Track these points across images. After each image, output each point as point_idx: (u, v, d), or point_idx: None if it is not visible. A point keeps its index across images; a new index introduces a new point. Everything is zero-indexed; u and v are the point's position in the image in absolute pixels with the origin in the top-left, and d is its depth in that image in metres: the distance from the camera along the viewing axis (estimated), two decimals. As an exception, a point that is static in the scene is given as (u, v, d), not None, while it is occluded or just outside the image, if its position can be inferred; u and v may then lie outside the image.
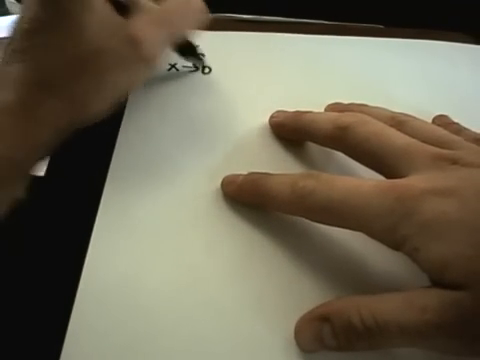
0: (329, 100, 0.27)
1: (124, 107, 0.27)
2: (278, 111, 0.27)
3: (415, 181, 0.19)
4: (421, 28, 0.33)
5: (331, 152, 0.24)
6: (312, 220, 0.21)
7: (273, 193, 0.21)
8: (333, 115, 0.24)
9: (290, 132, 0.26)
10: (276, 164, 0.25)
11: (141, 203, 0.23)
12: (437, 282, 0.17)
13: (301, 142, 0.26)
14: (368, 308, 0.17)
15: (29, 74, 0.19)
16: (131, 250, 0.22)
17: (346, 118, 0.22)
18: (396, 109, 0.25)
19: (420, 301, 0.17)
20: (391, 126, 0.22)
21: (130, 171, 0.25)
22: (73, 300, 0.20)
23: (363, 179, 0.20)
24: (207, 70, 0.30)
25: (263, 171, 0.23)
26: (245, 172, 0.23)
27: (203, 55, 0.29)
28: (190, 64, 0.29)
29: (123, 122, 0.27)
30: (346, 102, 0.27)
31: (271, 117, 0.27)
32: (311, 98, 0.27)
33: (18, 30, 0.20)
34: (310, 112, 0.25)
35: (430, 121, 0.26)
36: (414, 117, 0.24)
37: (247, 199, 0.23)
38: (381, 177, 0.21)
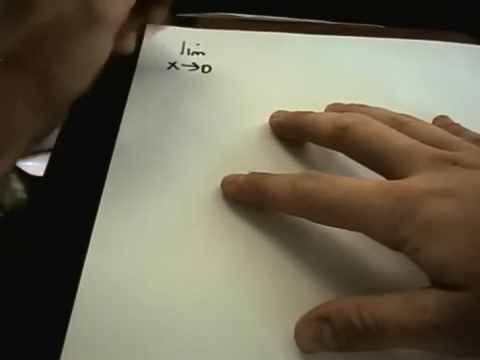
0: (329, 100, 0.27)
1: (123, 106, 0.27)
2: (278, 111, 0.27)
3: (415, 182, 0.19)
4: (421, 28, 0.33)
5: (331, 152, 0.24)
6: (312, 220, 0.21)
7: (273, 193, 0.21)
8: (333, 115, 0.24)
9: (290, 132, 0.26)
10: (276, 164, 0.25)
11: (141, 203, 0.23)
12: (437, 282, 0.17)
13: (301, 142, 0.26)
14: (368, 308, 0.17)
15: None
16: (131, 250, 0.22)
17: (346, 118, 0.22)
18: (396, 109, 0.25)
19: (420, 301, 0.17)
20: (391, 127, 0.22)
21: (130, 170, 0.25)
22: (73, 300, 0.20)
23: (363, 179, 0.20)
24: (207, 69, 0.30)
25: (263, 171, 0.23)
26: (245, 172, 0.23)
27: (203, 54, 0.29)
28: (190, 63, 0.29)
29: (122, 121, 0.27)
30: (346, 102, 0.27)
31: (271, 117, 0.27)
32: (311, 98, 0.27)
33: None
34: (310, 112, 0.25)
35: (430, 121, 0.26)
36: (414, 118, 0.24)
37: (247, 199, 0.23)
38: (381, 178, 0.21)
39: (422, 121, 0.23)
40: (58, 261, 0.22)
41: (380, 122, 0.22)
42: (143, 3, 0.23)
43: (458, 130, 0.24)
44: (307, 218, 0.21)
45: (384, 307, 0.17)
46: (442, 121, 0.26)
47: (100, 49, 0.21)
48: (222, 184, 0.24)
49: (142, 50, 0.31)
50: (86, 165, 0.25)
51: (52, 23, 0.19)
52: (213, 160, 0.25)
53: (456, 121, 0.26)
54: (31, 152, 0.20)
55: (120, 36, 0.22)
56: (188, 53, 0.31)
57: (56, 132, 0.26)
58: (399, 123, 0.22)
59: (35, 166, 0.28)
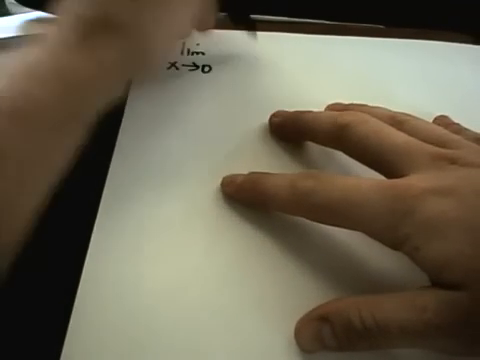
0: (329, 100, 0.27)
1: (124, 106, 0.27)
2: (278, 111, 0.27)
3: (415, 180, 0.19)
4: (421, 28, 0.33)
5: (331, 152, 0.24)
6: (312, 220, 0.21)
7: (273, 193, 0.21)
8: (333, 114, 0.24)
9: (290, 131, 0.26)
10: (276, 164, 0.25)
11: (141, 203, 0.23)
12: (437, 282, 0.17)
13: (301, 142, 0.26)
14: (368, 308, 0.17)
15: (90, 12, 0.20)
16: (131, 250, 0.22)
17: (346, 117, 0.22)
18: (396, 109, 0.25)
19: (420, 301, 0.17)
20: (391, 125, 0.21)
21: (130, 171, 0.25)
22: (73, 301, 0.20)
23: (362, 178, 0.20)
24: (207, 69, 0.30)
25: (263, 171, 0.23)
26: (245, 172, 0.23)
27: (203, 54, 0.29)
28: (190, 63, 0.29)
29: (123, 121, 0.27)
30: (346, 102, 0.27)
31: (271, 117, 0.27)
32: (311, 98, 0.27)
33: None
34: (310, 112, 0.25)
35: (430, 121, 0.26)
36: (414, 116, 0.23)
37: (247, 199, 0.23)
38: (381, 176, 0.21)
39: (422, 120, 0.23)
40: (58, 262, 0.21)
41: (380, 121, 0.22)
42: None
43: (458, 129, 0.24)
44: (307, 217, 0.21)
45: (384, 307, 0.17)
46: (442, 121, 0.26)
47: (187, 24, 0.23)
48: (222, 184, 0.24)
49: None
50: (86, 166, 0.25)
51: None
52: (213, 160, 0.25)
53: (456, 121, 0.26)
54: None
55: None
56: (188, 53, 0.31)
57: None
58: (399, 122, 0.22)
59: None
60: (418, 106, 0.26)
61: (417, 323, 0.16)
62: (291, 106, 0.26)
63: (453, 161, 0.19)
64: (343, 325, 0.18)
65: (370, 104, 0.26)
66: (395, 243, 0.18)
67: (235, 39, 0.31)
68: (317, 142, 0.24)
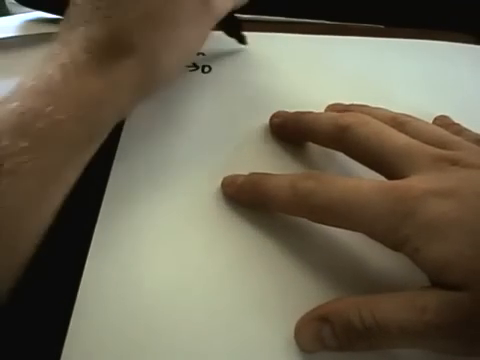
0: (330, 100, 0.27)
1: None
2: (279, 111, 0.27)
3: (416, 182, 0.19)
4: (421, 28, 0.33)
5: (332, 153, 0.24)
6: (313, 220, 0.21)
7: (273, 194, 0.21)
8: (334, 115, 0.24)
9: (290, 132, 0.26)
10: (276, 164, 0.25)
11: (142, 203, 0.23)
12: (437, 282, 0.17)
13: (302, 143, 0.26)
14: (368, 308, 0.17)
15: (101, 32, 0.20)
16: (132, 250, 0.22)
17: (347, 118, 0.22)
18: (396, 109, 0.25)
19: (420, 301, 0.17)
20: (392, 126, 0.22)
21: (131, 171, 0.25)
22: (74, 301, 0.20)
23: (363, 179, 0.20)
24: (207, 69, 0.30)
25: (263, 171, 0.23)
26: (245, 172, 0.23)
27: (203, 54, 0.29)
28: (190, 63, 0.29)
29: (125, 122, 0.27)
30: (347, 102, 0.27)
31: (271, 117, 0.27)
32: (311, 98, 0.27)
33: None
34: (311, 112, 0.25)
35: (431, 121, 0.26)
36: (415, 118, 0.24)
37: (247, 200, 0.23)
38: (381, 178, 0.21)
39: (422, 121, 0.23)
40: (59, 262, 0.21)
41: (381, 122, 0.22)
42: None
43: (458, 130, 0.24)
44: (307, 218, 0.21)
45: (384, 307, 0.17)
46: (442, 121, 0.26)
47: (201, 39, 0.24)
48: (222, 185, 0.24)
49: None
50: (87, 166, 0.25)
51: (169, 10, 0.21)
52: (213, 160, 0.25)
53: (456, 121, 0.26)
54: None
55: None
56: (188, 53, 0.31)
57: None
58: (399, 123, 0.22)
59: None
60: (418, 106, 0.26)
61: (417, 323, 0.16)
62: (291, 106, 0.26)
63: (454, 162, 0.19)
64: (343, 325, 0.18)
65: (370, 104, 0.26)
66: (396, 244, 0.18)
67: (235, 39, 0.31)
68: (318, 143, 0.24)
